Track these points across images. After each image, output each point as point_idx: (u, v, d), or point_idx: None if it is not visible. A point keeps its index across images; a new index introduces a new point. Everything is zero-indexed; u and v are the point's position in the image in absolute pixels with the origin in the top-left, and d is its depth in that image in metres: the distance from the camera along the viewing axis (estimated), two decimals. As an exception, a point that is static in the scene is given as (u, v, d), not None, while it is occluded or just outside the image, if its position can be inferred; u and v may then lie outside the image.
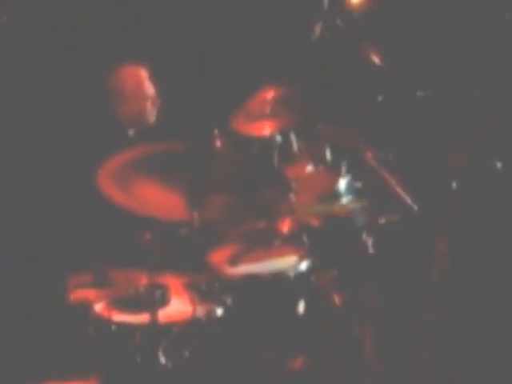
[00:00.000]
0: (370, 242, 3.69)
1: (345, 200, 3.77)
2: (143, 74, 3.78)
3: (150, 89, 3.77)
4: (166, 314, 3.22)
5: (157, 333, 3.15)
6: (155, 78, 3.80)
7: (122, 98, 3.72)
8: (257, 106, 3.93)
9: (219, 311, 3.31)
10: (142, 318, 3.16)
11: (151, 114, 3.78)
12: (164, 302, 3.29)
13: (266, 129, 3.96)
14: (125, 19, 4.33)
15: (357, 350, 3.55)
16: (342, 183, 3.78)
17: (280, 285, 3.48)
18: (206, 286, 3.38)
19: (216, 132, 3.73)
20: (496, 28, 3.89)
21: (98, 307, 3.25)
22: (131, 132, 3.76)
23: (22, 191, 3.95)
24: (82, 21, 4.27)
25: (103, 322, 3.21)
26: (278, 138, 4.02)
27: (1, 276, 3.79)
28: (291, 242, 3.63)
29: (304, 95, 3.90)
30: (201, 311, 3.27)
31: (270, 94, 3.94)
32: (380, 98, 3.76)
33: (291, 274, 3.49)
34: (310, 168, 3.88)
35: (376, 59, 3.65)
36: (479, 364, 3.50)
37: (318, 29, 3.70)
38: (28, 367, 3.46)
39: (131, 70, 3.77)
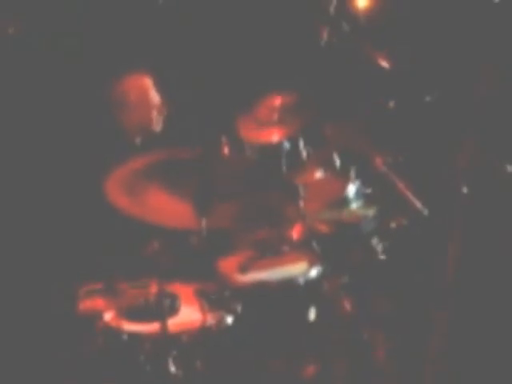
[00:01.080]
0: (380, 247, 3.67)
1: (354, 206, 3.76)
2: (148, 82, 3.78)
3: (155, 97, 3.77)
4: (175, 322, 3.20)
5: (167, 342, 3.13)
6: (160, 86, 3.79)
7: (128, 107, 3.72)
8: (264, 113, 3.93)
9: (229, 319, 3.29)
10: (152, 327, 3.15)
11: (157, 123, 3.77)
12: (174, 310, 3.27)
13: (274, 136, 3.96)
14: (129, 28, 4.32)
15: (368, 356, 3.52)
16: (352, 189, 3.77)
17: (290, 292, 3.46)
18: (216, 294, 3.37)
19: (224, 139, 3.73)
20: (502, 29, 3.87)
21: (108, 317, 3.24)
22: (138, 141, 3.76)
23: (30, 201, 3.95)
24: (87, 31, 4.27)
25: (113, 332, 3.20)
26: (287, 145, 4.01)
27: (11, 286, 3.79)
28: (301, 249, 3.62)
29: (311, 101, 3.88)
30: (211, 319, 3.25)
31: (277, 101, 3.93)
32: (391, 104, 3.74)
33: (301, 280, 3.47)
34: (318, 174, 3.87)
35: (383, 63, 3.63)
36: (491, 368, 3.47)
37: (324, 33, 3.69)
38: (38, 377, 3.45)
39: (136, 79, 3.77)
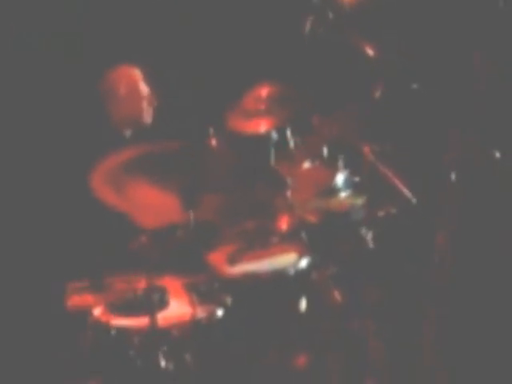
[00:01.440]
0: (369, 236, 3.66)
1: (343, 195, 3.75)
2: (137, 74, 3.75)
3: (144, 89, 3.74)
4: (165, 316, 3.19)
5: (157, 336, 3.12)
6: (149, 78, 3.77)
7: (117, 100, 3.69)
8: (251, 104, 3.91)
9: (219, 312, 3.27)
10: (142, 321, 3.13)
11: (147, 115, 3.75)
12: (163, 304, 3.26)
13: (261, 126, 3.94)
14: (118, 20, 4.30)
15: (359, 346, 3.52)
16: (340, 178, 3.76)
17: (280, 283, 3.45)
18: (206, 287, 3.35)
19: (211, 131, 3.70)
20: (492, 17, 3.86)
21: (97, 312, 3.22)
22: (127, 133, 3.73)
23: (16, 195, 3.92)
24: (76, 23, 4.24)
25: (102, 327, 3.19)
26: (274, 135, 3.99)
27: (0, 283, 3.77)
28: (290, 240, 3.61)
29: (298, 91, 3.87)
30: (201, 313, 3.23)
31: (264, 91, 3.91)
32: (378, 92, 3.72)
33: (291, 271, 3.46)
34: (307, 164, 3.85)
35: (370, 52, 3.61)
36: (481, 358, 3.47)
37: (309, 23, 3.66)
38: (28, 374, 3.44)
39: (125, 70, 3.75)
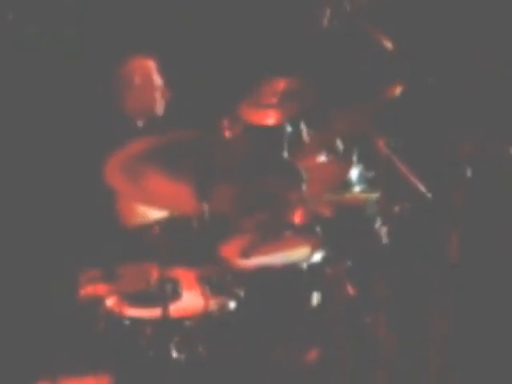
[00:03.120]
0: (383, 231, 3.65)
1: (357, 189, 3.73)
2: (151, 65, 3.76)
3: (158, 80, 3.75)
4: (177, 307, 3.19)
5: (169, 327, 3.12)
6: (163, 69, 3.77)
7: (131, 90, 3.70)
8: (266, 96, 3.89)
9: (231, 304, 3.27)
10: (154, 312, 3.13)
11: (160, 105, 3.75)
12: (175, 295, 3.26)
13: (275, 118, 3.92)
14: (131, 11, 4.29)
15: (370, 340, 3.51)
16: (354, 172, 3.74)
17: (293, 276, 3.44)
18: (218, 279, 3.35)
19: (225, 121, 3.70)
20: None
21: (110, 302, 3.23)
22: (140, 123, 3.73)
23: (30, 184, 3.93)
24: (90, 13, 4.24)
25: (115, 317, 3.19)
26: (288, 128, 3.98)
27: (12, 272, 3.78)
28: (303, 233, 3.60)
29: (313, 84, 3.85)
30: (213, 304, 3.23)
31: (279, 83, 3.89)
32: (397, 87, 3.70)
33: (304, 265, 3.45)
34: (321, 157, 3.84)
35: (386, 44, 3.59)
36: (491, 353, 3.45)
37: (326, 15, 3.65)
38: (40, 363, 3.44)
39: (139, 61, 3.75)
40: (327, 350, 3.46)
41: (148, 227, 3.32)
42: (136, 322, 3.17)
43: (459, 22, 4.07)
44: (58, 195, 3.74)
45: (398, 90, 3.56)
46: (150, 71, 3.75)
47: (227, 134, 3.68)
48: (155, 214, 3.32)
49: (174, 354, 3.13)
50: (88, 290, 3.25)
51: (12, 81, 4.08)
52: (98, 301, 3.22)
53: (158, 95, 3.74)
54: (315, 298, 3.47)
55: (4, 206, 3.88)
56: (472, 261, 3.57)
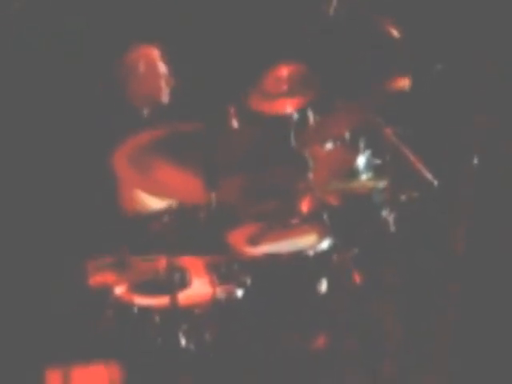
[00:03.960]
0: (390, 219, 3.65)
1: (364, 177, 3.74)
2: (155, 53, 3.75)
3: (162, 68, 3.74)
4: (186, 296, 3.21)
5: (177, 315, 3.14)
6: (168, 58, 3.76)
7: (136, 78, 3.69)
8: (272, 85, 3.89)
9: (239, 292, 3.29)
10: (162, 300, 3.15)
11: (165, 94, 3.74)
12: (184, 284, 3.28)
13: (283, 107, 3.92)
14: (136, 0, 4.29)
15: (378, 328, 3.52)
16: (361, 160, 3.75)
17: (300, 264, 3.46)
18: (226, 267, 3.37)
19: (232, 111, 3.70)
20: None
21: (119, 291, 3.25)
22: (145, 112, 3.74)
23: (39, 177, 3.95)
24: (95, 3, 4.23)
25: (123, 306, 3.21)
26: (296, 116, 3.98)
27: (23, 261, 3.80)
28: (311, 221, 3.61)
29: (319, 72, 3.85)
30: (221, 293, 3.25)
31: (285, 72, 3.89)
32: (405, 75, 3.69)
33: (311, 253, 3.46)
34: (328, 145, 3.84)
35: (393, 32, 3.58)
36: (498, 342, 3.46)
37: (333, 4, 3.64)
38: (50, 351, 3.47)
39: (144, 50, 3.74)
40: (334, 338, 3.48)
41: (156, 216, 3.34)
42: (145, 310, 3.19)
43: (469, 9, 4.05)
44: (67, 185, 3.76)
45: (405, 81, 3.55)
46: (154, 59, 3.74)
47: (234, 123, 3.69)
48: (160, 203, 3.33)
49: (183, 342, 3.16)
50: (97, 279, 3.27)
51: (17, 72, 4.09)
52: (108, 289, 3.24)
53: (162, 83, 3.73)
54: (322, 286, 3.48)
55: (15, 196, 3.90)
56: (478, 249, 3.58)
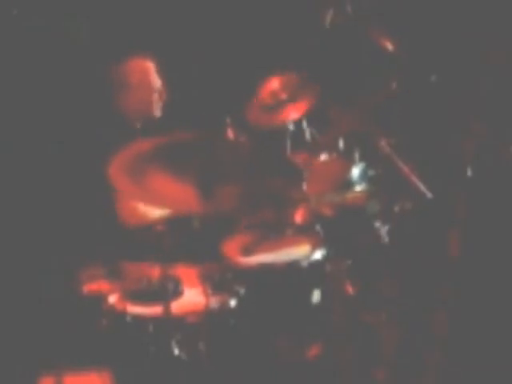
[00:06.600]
0: (384, 230, 3.67)
1: (358, 188, 3.75)
2: (149, 66, 3.76)
3: (156, 81, 3.74)
4: (179, 305, 3.21)
5: (170, 324, 3.14)
6: (162, 70, 3.77)
7: (129, 90, 3.70)
8: (269, 96, 3.91)
9: (233, 302, 3.30)
10: (156, 309, 3.16)
11: (157, 107, 3.75)
12: (177, 293, 3.28)
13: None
14: (130, 11, 4.30)
15: (371, 339, 3.53)
16: (356, 171, 3.76)
17: (294, 274, 3.47)
18: (219, 277, 3.37)
19: (227, 121, 3.72)
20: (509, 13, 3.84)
21: (112, 299, 3.25)
22: (138, 125, 3.74)
23: (33, 184, 3.95)
24: (88, 14, 4.25)
25: (117, 314, 3.21)
26: (290, 126, 4.00)
27: (15, 268, 3.80)
28: (305, 232, 3.62)
29: (314, 83, 3.87)
30: (214, 302, 3.26)
31: (277, 83, 3.92)
32: (395, 85, 3.72)
33: (305, 263, 3.47)
34: (322, 156, 3.86)
35: (388, 45, 3.61)
36: (493, 350, 3.47)
37: (328, 16, 3.66)
38: (43, 359, 3.47)
39: (137, 62, 3.75)
40: (327, 348, 3.48)
41: (150, 225, 3.35)
42: (138, 319, 3.19)
43: (461, 21, 4.08)
44: (61, 193, 3.76)
45: (395, 89, 3.57)
46: (147, 72, 3.74)
47: (230, 133, 3.70)
48: (156, 213, 3.34)
49: (176, 351, 3.16)
50: (91, 287, 3.28)
51: (12, 82, 4.09)
52: (101, 298, 3.24)
53: (155, 96, 3.73)
54: (315, 296, 3.49)
55: (9, 204, 3.91)
56: (472, 260, 3.59)
